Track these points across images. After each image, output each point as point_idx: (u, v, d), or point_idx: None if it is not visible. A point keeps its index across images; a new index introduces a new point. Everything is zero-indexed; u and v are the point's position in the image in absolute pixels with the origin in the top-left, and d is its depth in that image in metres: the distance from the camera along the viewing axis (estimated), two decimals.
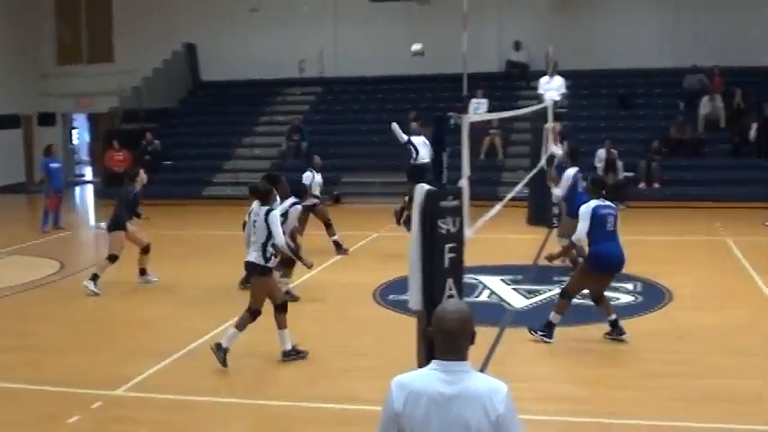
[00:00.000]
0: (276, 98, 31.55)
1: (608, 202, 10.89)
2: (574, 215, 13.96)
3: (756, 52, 27.10)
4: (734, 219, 20.47)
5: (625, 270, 14.09)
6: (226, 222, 22.24)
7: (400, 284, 12.14)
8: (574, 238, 11.02)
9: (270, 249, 10.31)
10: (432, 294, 7.10)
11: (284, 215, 12.23)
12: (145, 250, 14.82)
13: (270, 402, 9.12)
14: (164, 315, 12.95)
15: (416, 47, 17.21)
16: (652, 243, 18.25)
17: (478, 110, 25.34)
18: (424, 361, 7.17)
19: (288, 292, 12.86)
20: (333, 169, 26.64)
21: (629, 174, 24.32)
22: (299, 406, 8.99)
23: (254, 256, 10.37)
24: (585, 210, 10.76)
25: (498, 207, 12.74)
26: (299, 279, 14.36)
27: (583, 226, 10.72)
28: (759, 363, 10.05)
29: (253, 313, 10.24)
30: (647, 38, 28.84)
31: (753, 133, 25.13)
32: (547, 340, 10.89)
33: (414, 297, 7.17)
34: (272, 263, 10.51)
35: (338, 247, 17.06)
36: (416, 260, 7.12)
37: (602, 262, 10.71)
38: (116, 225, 14.42)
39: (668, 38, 28.93)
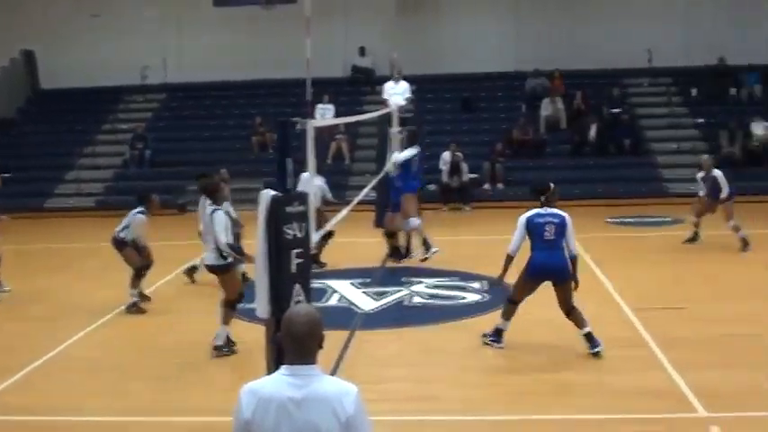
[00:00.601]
0: (119, 106, 30.88)
1: (550, 211, 10.59)
2: (397, 197, 14.43)
3: (595, 55, 28.09)
4: (576, 216, 20.86)
5: (473, 270, 14.44)
6: (70, 235, 21.76)
7: (248, 292, 12.06)
8: (508, 249, 10.67)
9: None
10: (280, 301, 7.08)
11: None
12: None
13: (123, 418, 8.92)
14: (6, 332, 12.52)
15: None
16: (498, 242, 18.47)
17: (325, 115, 25.43)
18: (273, 369, 7.16)
19: (135, 304, 12.67)
20: (178, 178, 26.26)
21: (474, 175, 24.84)
22: (149, 421, 8.84)
23: (211, 258, 10.37)
24: (520, 220, 10.64)
25: (346, 211, 12.78)
26: (148, 290, 14.11)
27: (514, 237, 10.61)
28: (602, 356, 10.34)
29: (230, 304, 10.58)
30: (490, 42, 29.49)
31: (593, 133, 26.03)
32: (496, 345, 10.74)
33: (261, 305, 7.14)
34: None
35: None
36: (263, 267, 7.08)
37: (534, 269, 10.51)
38: None
39: (510, 42, 29.69)
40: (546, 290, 10.55)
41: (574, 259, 10.48)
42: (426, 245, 15.46)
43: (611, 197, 23.69)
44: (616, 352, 10.36)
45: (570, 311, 10.50)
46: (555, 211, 10.61)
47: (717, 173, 17.06)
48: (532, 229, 10.48)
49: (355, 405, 3.96)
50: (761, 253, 16.26)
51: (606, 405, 8.86)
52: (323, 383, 4.00)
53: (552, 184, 10.96)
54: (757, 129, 24.42)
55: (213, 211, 10.45)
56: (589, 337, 10.38)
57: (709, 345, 10.71)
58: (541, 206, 10.65)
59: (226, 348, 10.63)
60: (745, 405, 8.67)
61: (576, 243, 10.45)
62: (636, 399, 8.99)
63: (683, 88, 28.58)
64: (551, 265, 10.40)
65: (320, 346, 4.07)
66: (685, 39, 29.09)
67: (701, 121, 27.25)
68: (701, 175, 17.64)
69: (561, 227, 10.44)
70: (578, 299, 12.97)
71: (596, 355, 10.23)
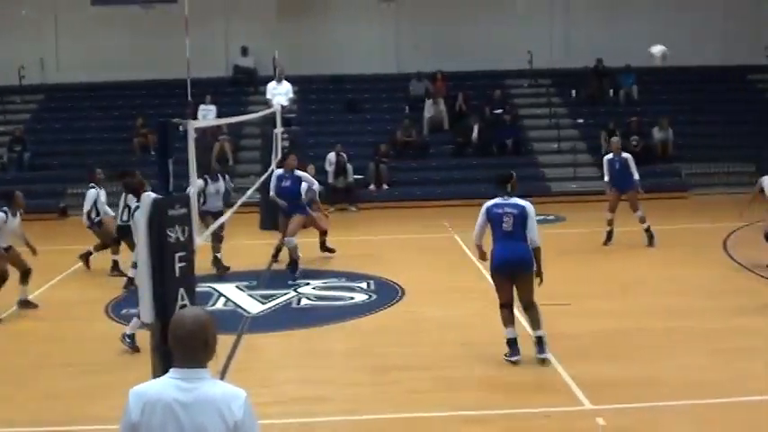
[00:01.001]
0: None
1: (510, 201, 10.16)
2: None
3: (476, 57, 28.49)
4: (460, 216, 21.20)
5: (360, 270, 14.48)
6: None
7: (132, 298, 11.85)
8: (474, 238, 10.43)
9: None
10: (164, 305, 6.97)
11: None
12: None
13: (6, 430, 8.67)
14: None
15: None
16: (383, 242, 18.74)
17: (207, 116, 25.21)
18: (159, 374, 7.04)
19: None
20: (58, 180, 25.71)
21: (359, 176, 24.91)
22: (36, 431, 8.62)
23: None
24: (482, 208, 10.35)
25: (230, 213, 12.68)
26: (31, 295, 13.74)
27: (476, 225, 10.34)
28: (486, 351, 10.45)
29: None
30: (372, 44, 29.68)
31: (475, 134, 26.39)
32: (513, 358, 10.07)
33: (145, 309, 7.01)
34: None
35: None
36: (146, 272, 6.96)
37: (495, 262, 10.17)
38: None
39: (392, 44, 29.95)
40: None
41: (537, 251, 10.06)
42: (295, 265, 14.97)
43: (494, 197, 23.98)
44: (501, 348, 10.48)
45: (528, 307, 10.18)
46: (515, 200, 10.17)
47: (627, 155, 17.18)
48: (492, 218, 10.16)
49: (244, 409, 3.93)
50: (647, 249, 16.70)
51: (493, 400, 8.98)
52: (211, 387, 3.95)
53: (514, 173, 10.59)
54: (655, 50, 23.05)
55: (137, 209, 10.23)
56: (540, 342, 10.04)
57: (591, 339, 10.94)
58: (504, 196, 10.24)
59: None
60: (627, 396, 8.89)
61: (538, 235, 10.10)
62: (522, 393, 9.15)
63: (562, 89, 29.21)
64: (511, 257, 9.99)
65: (212, 349, 4.04)
66: (565, 41, 29.82)
67: (580, 121, 27.90)
68: (609, 157, 17.48)
69: (521, 217, 10.02)
70: (462, 297, 13.21)
71: (543, 362, 9.92)
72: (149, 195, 7.10)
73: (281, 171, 15.52)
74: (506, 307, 10.16)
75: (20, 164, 26.76)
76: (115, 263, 15.47)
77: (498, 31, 29.08)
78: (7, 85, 29.71)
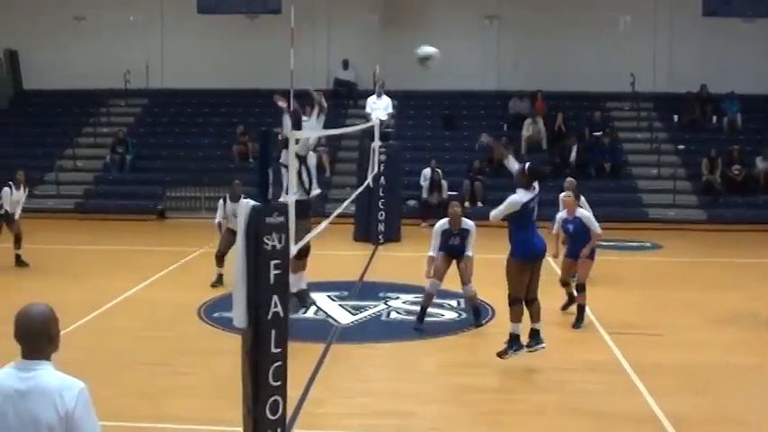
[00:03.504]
0: (100, 109, 30.74)
1: (535, 191, 10.35)
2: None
3: (577, 78, 28.25)
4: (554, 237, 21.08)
5: (451, 288, 14.42)
6: (46, 235, 21.62)
7: (226, 302, 12.00)
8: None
9: None
10: (257, 312, 7.03)
11: None
12: None
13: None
14: None
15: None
16: (475, 260, 18.60)
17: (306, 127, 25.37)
18: (249, 379, 7.11)
19: None
20: (157, 183, 26.24)
21: (453, 193, 24.80)
22: (122, 426, 8.75)
23: None
24: (516, 203, 10.28)
25: (325, 223, 12.74)
26: (122, 296, 14.03)
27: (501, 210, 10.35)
28: (572, 377, 10.34)
29: None
30: (473, 61, 29.63)
31: (573, 155, 26.13)
32: (531, 349, 10.65)
33: (238, 315, 7.08)
34: None
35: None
36: (241, 277, 7.03)
37: (530, 252, 10.42)
38: None
39: (492, 61, 29.86)
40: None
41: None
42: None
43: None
44: (591, 375, 10.36)
45: (535, 299, 10.64)
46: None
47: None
48: (526, 210, 10.26)
49: (77, 400, 4.07)
50: (746, 281, 16.33)
51: (581, 428, 8.84)
52: (48, 377, 4.11)
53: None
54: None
55: None
56: (537, 334, 10.63)
57: (685, 372, 10.70)
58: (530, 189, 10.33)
59: None
60: None
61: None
62: (611, 423, 8.97)
63: (664, 114, 28.77)
64: (541, 246, 10.52)
65: (55, 343, 4.21)
66: (668, 65, 29.38)
67: (681, 147, 27.43)
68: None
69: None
70: (553, 320, 13.06)
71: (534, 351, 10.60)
72: (248, 202, 7.18)
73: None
74: (520, 302, 10.55)
75: (121, 165, 27.38)
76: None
77: (600, 53, 28.81)
78: (113, 89, 30.45)
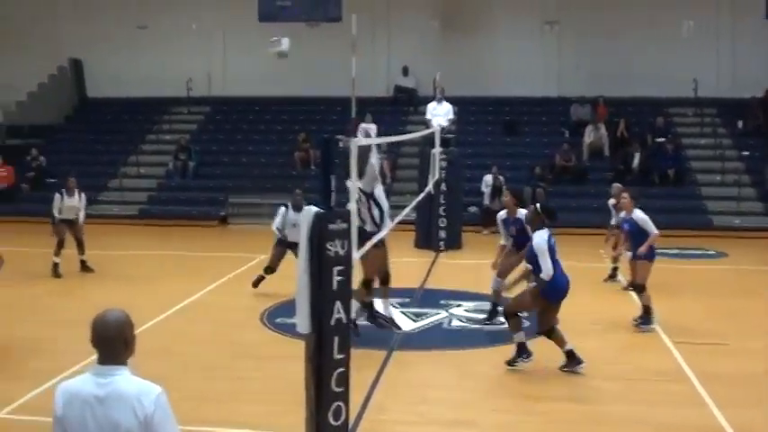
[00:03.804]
0: (163, 117, 31.16)
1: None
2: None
3: (639, 84, 27.97)
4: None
5: (511, 295, 14.30)
6: (111, 241, 21.92)
7: (288, 307, 12.06)
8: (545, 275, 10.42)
9: None
10: (320, 317, 7.06)
11: None
12: None
13: None
14: (44, 337, 12.58)
15: (280, 48, 14.42)
16: None
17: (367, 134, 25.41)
18: (311, 384, 7.14)
19: None
20: (220, 190, 26.48)
21: None
22: (186, 430, 8.81)
23: None
24: (544, 243, 10.49)
25: (386, 230, 12.75)
26: (185, 301, 14.16)
27: (548, 259, 10.47)
28: (637, 387, 10.24)
29: None
30: (534, 67, 29.51)
31: (636, 162, 25.86)
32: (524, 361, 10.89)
33: (302, 320, 7.11)
34: None
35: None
36: (305, 283, 7.07)
37: (562, 291, 10.73)
38: None
39: (552, 67, 29.70)
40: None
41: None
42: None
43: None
44: (655, 384, 10.24)
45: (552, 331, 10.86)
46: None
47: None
48: (552, 249, 10.62)
49: (155, 405, 4.11)
50: None
51: None
52: (125, 382, 4.14)
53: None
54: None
55: None
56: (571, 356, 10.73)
57: (751, 382, 10.52)
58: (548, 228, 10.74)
59: None
60: None
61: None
62: None
63: (728, 119, 28.35)
64: (568, 285, 10.81)
65: (131, 348, 4.25)
66: (731, 69, 28.95)
67: (746, 153, 27.02)
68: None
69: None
70: (615, 329, 12.94)
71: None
72: (311, 209, 7.21)
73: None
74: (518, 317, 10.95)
75: (184, 172, 27.68)
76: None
77: (662, 57, 28.50)
78: (176, 97, 30.84)
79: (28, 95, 30.79)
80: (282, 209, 15.48)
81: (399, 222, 13.81)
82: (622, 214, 13.75)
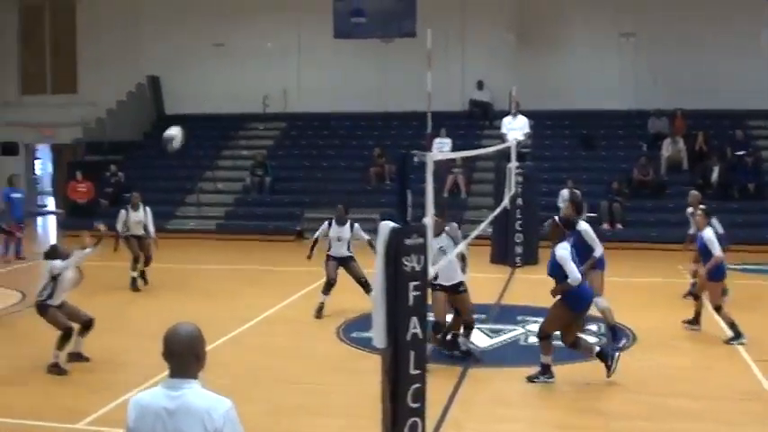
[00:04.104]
0: (240, 133, 31.49)
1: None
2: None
3: (717, 96, 27.50)
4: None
5: (589, 312, 14.16)
6: (189, 255, 22.23)
7: (364, 321, 12.08)
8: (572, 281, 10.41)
9: None
10: (396, 332, 7.05)
11: None
12: None
13: None
14: (124, 348, 12.76)
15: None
16: (615, 284, 18.22)
17: (442, 148, 25.43)
18: (388, 399, 7.12)
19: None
20: (296, 204, 26.66)
21: (592, 214, 24.36)
22: None
23: None
24: (567, 252, 10.52)
25: (462, 245, 12.70)
26: (265, 313, 14.26)
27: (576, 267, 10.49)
28: (718, 407, 10.05)
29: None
30: (609, 80, 29.19)
31: (715, 176, 25.42)
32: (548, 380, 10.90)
33: (378, 335, 7.11)
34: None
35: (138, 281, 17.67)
36: (381, 298, 7.06)
37: (587, 301, 10.85)
38: None
39: (629, 80, 29.35)
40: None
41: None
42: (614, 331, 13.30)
43: (732, 242, 22.88)
44: (734, 404, 10.03)
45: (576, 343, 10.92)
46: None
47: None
48: (576, 261, 10.68)
49: (225, 419, 4.14)
50: None
51: None
52: (196, 396, 4.19)
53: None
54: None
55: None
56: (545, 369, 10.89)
57: None
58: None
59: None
60: None
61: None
62: None
63: None
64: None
65: (202, 362, 4.32)
66: None
67: None
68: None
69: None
70: (695, 347, 12.72)
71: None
72: (386, 224, 7.21)
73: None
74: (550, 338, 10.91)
75: (261, 187, 27.93)
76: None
77: (741, 69, 27.95)
78: (252, 113, 31.16)
79: (107, 112, 31.35)
80: (325, 224, 15.26)
81: (475, 238, 13.74)
82: (692, 230, 13.72)
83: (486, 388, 10.88)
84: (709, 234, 13.16)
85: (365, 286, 14.57)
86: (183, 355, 4.24)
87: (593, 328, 13.76)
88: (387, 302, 7.07)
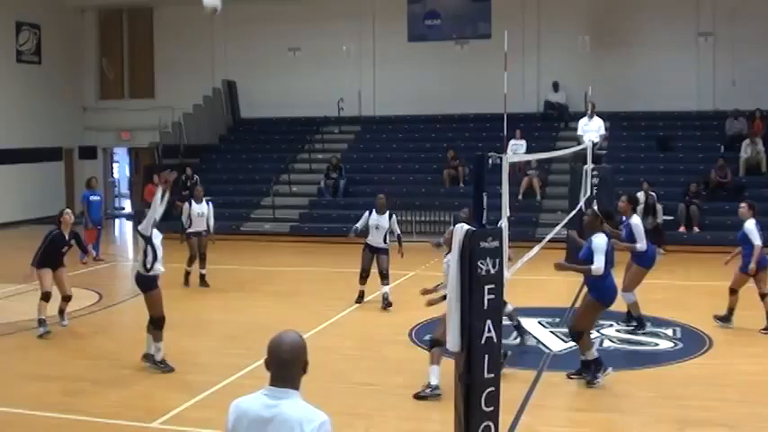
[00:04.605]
0: (314, 136, 31.65)
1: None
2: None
3: None
4: None
5: (665, 315, 14.00)
6: (263, 257, 22.42)
7: (437, 325, 12.04)
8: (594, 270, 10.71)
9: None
10: (471, 336, 7.02)
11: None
12: (65, 298, 14.38)
13: None
14: (200, 349, 12.93)
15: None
16: (692, 288, 18.06)
17: (517, 150, 25.29)
18: (461, 403, 7.10)
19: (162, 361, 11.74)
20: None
21: (669, 217, 24.04)
22: None
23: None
24: (603, 245, 10.76)
25: (537, 248, 12.64)
26: (338, 315, 14.33)
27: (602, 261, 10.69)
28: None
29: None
30: (686, 80, 28.78)
31: None
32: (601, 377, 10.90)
33: (452, 338, 7.08)
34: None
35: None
36: (455, 301, 7.04)
37: (614, 295, 11.06)
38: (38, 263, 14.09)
39: (707, 81, 28.90)
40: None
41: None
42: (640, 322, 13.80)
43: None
44: None
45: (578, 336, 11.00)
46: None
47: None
48: (608, 254, 10.81)
49: None
50: None
51: None
52: (292, 406, 4.16)
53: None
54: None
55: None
56: (585, 365, 10.90)
57: None
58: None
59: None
60: None
61: None
62: None
63: None
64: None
65: (304, 371, 4.30)
66: None
67: None
68: None
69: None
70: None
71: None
72: (462, 227, 7.18)
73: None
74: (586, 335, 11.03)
75: (335, 190, 28.04)
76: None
77: None
78: (327, 116, 31.32)
79: (184, 116, 31.77)
80: (366, 212, 16.08)
81: (551, 240, 13.65)
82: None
83: (559, 393, 10.79)
84: (749, 225, 13.76)
85: (384, 278, 15.73)
86: (288, 364, 4.23)
87: (669, 332, 13.59)
88: (461, 306, 7.05)
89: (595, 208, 11.44)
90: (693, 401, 10.31)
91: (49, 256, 14.07)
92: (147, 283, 11.58)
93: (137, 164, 34.94)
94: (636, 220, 13.48)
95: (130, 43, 34.55)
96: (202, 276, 18.06)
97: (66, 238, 14.37)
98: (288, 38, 31.87)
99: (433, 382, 10.16)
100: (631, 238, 13.34)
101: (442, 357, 10.21)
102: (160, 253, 11.59)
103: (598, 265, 10.55)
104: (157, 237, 11.69)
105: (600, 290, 10.81)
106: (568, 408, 10.29)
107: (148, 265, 11.47)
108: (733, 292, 13.95)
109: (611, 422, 9.80)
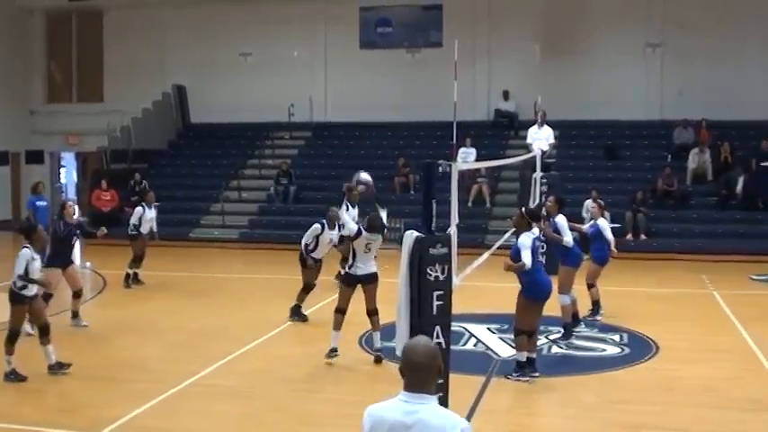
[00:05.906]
0: (265, 142, 31.58)
1: (537, 234, 11.57)
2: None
3: (742, 107, 27.37)
4: (720, 272, 20.50)
5: (612, 321, 14.16)
6: (213, 264, 22.31)
7: (387, 331, 12.07)
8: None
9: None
10: None
11: None
12: (76, 294, 14.51)
13: None
14: (149, 356, 12.83)
15: None
16: (638, 295, 18.26)
17: (467, 158, 25.42)
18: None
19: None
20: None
21: (616, 225, 24.20)
22: None
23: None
24: (528, 242, 11.11)
25: (486, 255, 12.72)
26: (286, 323, 14.27)
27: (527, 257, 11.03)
28: (741, 417, 9.99)
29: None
30: (635, 90, 29.13)
31: (740, 187, 25.25)
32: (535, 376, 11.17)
33: (401, 344, 7.11)
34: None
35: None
36: (405, 307, 7.08)
37: (545, 291, 11.32)
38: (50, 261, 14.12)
39: (655, 91, 29.26)
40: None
41: None
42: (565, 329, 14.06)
43: (757, 253, 22.78)
44: (757, 415, 9.96)
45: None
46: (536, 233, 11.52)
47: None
48: (534, 250, 11.14)
49: None
50: None
51: None
52: (432, 412, 4.15)
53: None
54: None
55: None
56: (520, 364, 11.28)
57: None
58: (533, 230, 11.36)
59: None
60: None
61: None
62: None
63: None
64: (551, 285, 11.50)
65: (438, 375, 4.27)
66: None
67: None
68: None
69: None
70: (718, 357, 12.66)
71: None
72: (411, 233, 7.22)
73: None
74: (527, 334, 11.30)
75: (285, 196, 27.99)
76: None
77: (766, 80, 27.89)
78: (277, 122, 31.25)
79: (132, 120, 31.53)
80: (317, 226, 15.63)
81: (499, 247, 13.74)
82: None
83: (509, 398, 10.86)
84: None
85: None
86: (425, 369, 4.19)
87: (616, 337, 13.74)
88: (410, 312, 7.09)
89: (523, 209, 11.63)
90: (641, 406, 10.42)
91: (61, 253, 14.25)
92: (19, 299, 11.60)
93: (84, 169, 34.58)
94: (560, 219, 14.11)
95: (79, 46, 34.18)
96: (136, 275, 18.58)
97: (72, 228, 14.53)
98: (239, 43, 31.75)
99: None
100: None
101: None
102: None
103: (524, 261, 10.92)
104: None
105: (528, 285, 11.18)
106: (517, 413, 10.36)
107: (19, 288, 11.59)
108: (590, 286, 15.15)
109: (559, 427, 9.87)
